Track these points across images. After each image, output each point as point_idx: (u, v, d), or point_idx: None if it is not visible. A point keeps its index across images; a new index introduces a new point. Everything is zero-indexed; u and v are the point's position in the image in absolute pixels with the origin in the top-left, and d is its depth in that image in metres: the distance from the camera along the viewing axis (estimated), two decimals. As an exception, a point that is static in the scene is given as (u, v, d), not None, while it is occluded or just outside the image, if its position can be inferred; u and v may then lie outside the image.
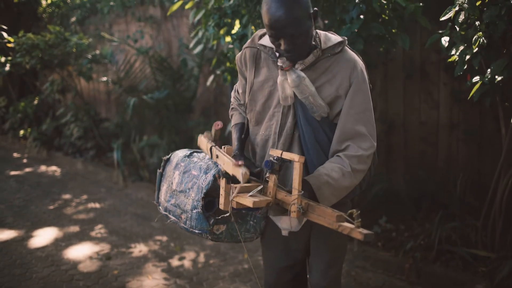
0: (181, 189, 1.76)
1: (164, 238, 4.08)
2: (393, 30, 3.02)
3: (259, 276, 3.11)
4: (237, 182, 1.57)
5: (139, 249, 3.88)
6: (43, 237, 4.15)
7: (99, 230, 4.31)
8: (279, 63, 1.65)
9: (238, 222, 1.78)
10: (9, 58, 6.46)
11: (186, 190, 1.73)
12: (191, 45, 4.54)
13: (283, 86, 1.69)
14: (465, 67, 2.56)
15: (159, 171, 1.96)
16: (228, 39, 3.71)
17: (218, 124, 1.82)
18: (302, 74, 1.65)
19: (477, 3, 2.43)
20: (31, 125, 7.93)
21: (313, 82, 1.69)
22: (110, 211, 4.84)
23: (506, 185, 3.02)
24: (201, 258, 3.69)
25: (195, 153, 1.88)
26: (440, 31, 2.81)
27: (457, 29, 2.57)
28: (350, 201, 1.89)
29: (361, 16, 2.90)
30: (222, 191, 1.58)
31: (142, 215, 4.70)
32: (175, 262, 3.64)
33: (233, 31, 3.60)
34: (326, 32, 1.76)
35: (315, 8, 1.64)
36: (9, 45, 6.45)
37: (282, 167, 1.58)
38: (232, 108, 2.06)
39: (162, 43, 6.54)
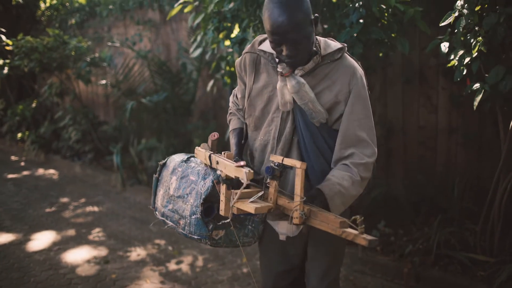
0: (178, 194, 1.74)
1: (162, 242, 4.07)
2: (393, 35, 3.03)
3: (257, 280, 3.10)
4: (237, 188, 1.56)
5: (137, 253, 3.86)
6: (41, 240, 4.13)
7: (97, 233, 4.30)
8: (279, 69, 1.65)
9: (237, 226, 1.77)
10: (8, 61, 6.45)
11: (184, 196, 1.71)
12: (191, 49, 4.54)
13: (283, 91, 1.69)
14: (465, 72, 2.56)
15: (155, 176, 1.94)
16: (227, 43, 3.72)
17: (214, 135, 1.81)
18: (302, 80, 1.65)
19: (476, 9, 2.44)
20: (29, 128, 7.92)
21: (313, 88, 1.69)
22: (108, 215, 4.83)
23: (505, 190, 3.02)
24: (200, 262, 3.68)
25: (192, 158, 1.86)
26: (440, 37, 2.82)
27: (457, 34, 2.58)
28: (349, 207, 1.89)
29: (361, 21, 2.90)
30: (222, 197, 1.57)
31: (140, 219, 4.69)
32: (173, 266, 3.63)
33: (232, 35, 3.61)
34: (326, 39, 1.76)
35: (316, 14, 1.64)
36: (7, 48, 6.44)
37: (282, 173, 1.58)
38: (231, 113, 2.05)
39: (161, 47, 6.55)
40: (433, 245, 3.33)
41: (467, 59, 2.50)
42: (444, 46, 2.71)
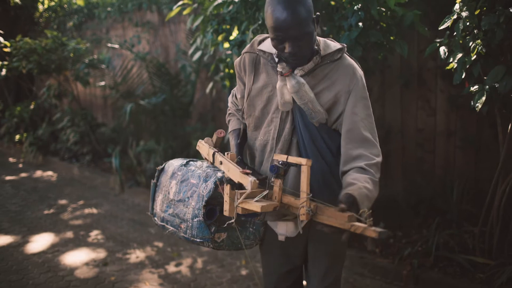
0: (179, 198, 1.74)
1: (161, 244, 4.07)
2: (391, 38, 3.04)
3: (259, 282, 3.10)
4: (240, 188, 1.56)
5: (136, 255, 3.86)
6: (40, 242, 4.12)
7: (95, 236, 4.29)
8: (279, 69, 1.65)
9: (238, 229, 1.77)
10: (6, 62, 6.44)
11: (185, 199, 1.71)
12: (190, 51, 4.55)
13: (282, 91, 1.69)
14: (464, 75, 2.57)
15: (153, 181, 1.93)
16: (226, 45, 3.72)
17: (221, 132, 1.82)
18: (302, 80, 1.65)
19: (476, 12, 2.45)
20: (27, 130, 7.91)
21: (312, 88, 1.69)
22: (107, 217, 4.82)
23: (504, 192, 3.03)
24: (199, 264, 3.68)
25: (191, 162, 1.85)
26: (438, 40, 2.83)
27: (456, 37, 2.58)
28: None
29: (360, 24, 2.91)
30: (226, 197, 1.57)
31: (139, 221, 4.68)
32: (172, 268, 3.62)
33: (232, 37, 3.61)
34: (325, 39, 1.77)
35: (318, 13, 1.65)
36: (5, 49, 6.44)
37: (287, 172, 1.58)
38: (230, 113, 2.05)
39: (159, 49, 6.55)
40: (432, 247, 3.34)
41: (466, 63, 2.51)
42: (443, 50, 2.71)
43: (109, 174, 6.07)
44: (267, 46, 1.74)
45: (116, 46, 6.41)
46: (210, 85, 4.75)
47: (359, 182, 1.56)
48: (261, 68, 1.80)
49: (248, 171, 1.51)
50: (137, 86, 6.31)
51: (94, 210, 5.04)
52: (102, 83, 6.62)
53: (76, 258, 3.79)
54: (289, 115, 1.75)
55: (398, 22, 3.05)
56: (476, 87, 2.49)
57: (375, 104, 4.13)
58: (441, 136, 3.94)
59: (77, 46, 6.29)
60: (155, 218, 1.90)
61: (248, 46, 1.85)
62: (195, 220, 1.65)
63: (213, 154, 1.68)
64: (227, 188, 1.56)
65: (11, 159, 7.75)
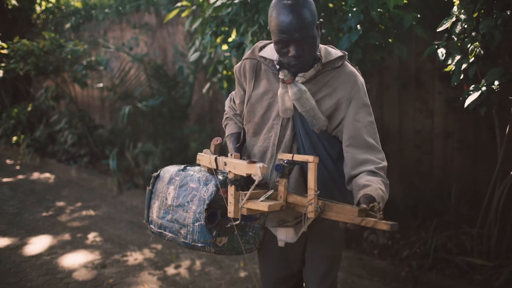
0: (178, 203, 1.72)
1: (160, 246, 4.07)
2: (389, 40, 3.05)
3: (258, 284, 3.10)
4: (245, 189, 1.57)
5: (135, 257, 3.85)
6: (38, 245, 4.12)
7: (94, 238, 4.28)
8: (281, 76, 1.65)
9: (239, 233, 1.77)
10: (3, 64, 6.43)
11: (184, 204, 1.69)
12: (189, 53, 4.55)
13: (283, 98, 1.69)
14: (462, 76, 2.58)
15: (148, 188, 1.90)
16: (225, 47, 3.73)
17: (217, 140, 1.81)
18: (303, 87, 1.65)
19: (474, 15, 2.46)
20: (24, 132, 7.89)
21: (313, 95, 1.69)
22: (105, 219, 4.82)
23: (502, 194, 3.04)
24: (197, 266, 3.67)
25: (189, 167, 1.84)
26: (436, 42, 2.84)
27: (454, 39, 2.59)
28: None
29: (358, 26, 2.92)
30: (231, 199, 1.56)
31: (137, 223, 4.68)
32: (171, 270, 3.62)
33: (230, 40, 3.61)
34: (326, 46, 1.77)
35: (321, 20, 1.65)
36: (2, 51, 6.43)
37: (291, 171, 1.59)
38: (227, 117, 2.05)
39: (157, 50, 6.54)
40: (430, 249, 3.34)
41: (464, 65, 2.52)
42: (441, 53, 2.72)
43: (107, 176, 6.06)
44: (268, 52, 1.75)
45: (112, 48, 6.40)
46: (207, 85, 4.75)
47: (374, 184, 1.57)
48: (262, 75, 1.80)
49: (254, 159, 1.51)
50: (135, 88, 6.30)
51: (92, 212, 5.03)
52: (100, 85, 6.61)
53: (74, 260, 3.79)
54: (290, 122, 1.75)
55: (396, 24, 3.06)
56: (472, 86, 2.50)
57: (373, 106, 4.06)
58: (439, 138, 3.95)
59: (75, 47, 6.28)
60: (152, 226, 1.86)
61: (248, 52, 1.85)
62: (196, 224, 1.63)
63: (215, 159, 1.67)
64: (231, 189, 1.56)
65: (8, 161, 7.73)
